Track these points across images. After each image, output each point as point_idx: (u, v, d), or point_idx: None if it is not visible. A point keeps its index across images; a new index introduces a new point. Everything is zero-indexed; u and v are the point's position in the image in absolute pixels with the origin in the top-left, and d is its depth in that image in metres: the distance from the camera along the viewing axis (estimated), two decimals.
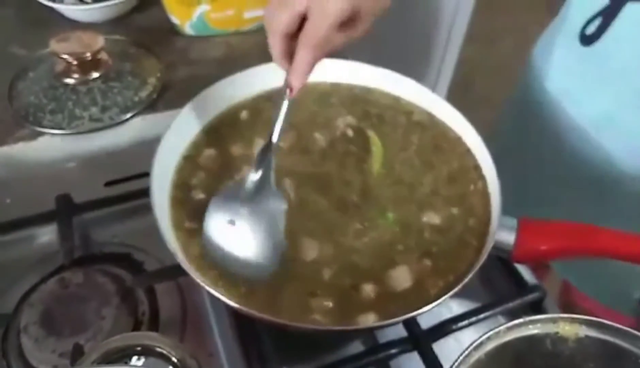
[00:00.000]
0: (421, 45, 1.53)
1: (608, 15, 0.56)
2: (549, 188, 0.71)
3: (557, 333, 0.39)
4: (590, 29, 0.58)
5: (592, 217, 0.51)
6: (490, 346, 0.38)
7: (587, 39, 0.59)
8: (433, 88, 0.62)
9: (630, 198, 0.62)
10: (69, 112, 0.70)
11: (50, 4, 0.85)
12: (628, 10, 0.54)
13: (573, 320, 0.38)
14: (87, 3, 0.85)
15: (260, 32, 0.86)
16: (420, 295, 0.47)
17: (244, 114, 0.60)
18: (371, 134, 0.59)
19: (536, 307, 0.55)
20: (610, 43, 0.57)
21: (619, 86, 0.58)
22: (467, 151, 0.59)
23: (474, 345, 0.37)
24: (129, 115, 0.71)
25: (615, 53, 0.57)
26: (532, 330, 0.38)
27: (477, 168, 0.57)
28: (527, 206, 0.56)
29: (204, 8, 0.82)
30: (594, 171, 0.63)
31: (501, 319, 0.54)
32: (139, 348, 0.39)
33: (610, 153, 0.61)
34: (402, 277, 0.48)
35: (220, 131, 0.59)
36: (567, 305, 0.78)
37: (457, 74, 1.72)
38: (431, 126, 0.61)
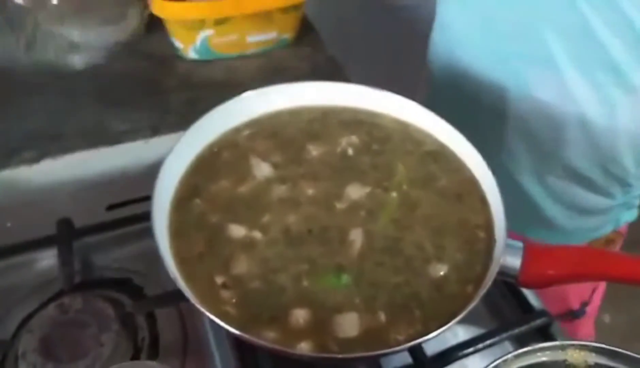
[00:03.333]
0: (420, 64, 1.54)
1: None
2: None
3: (565, 361, 0.38)
4: None
5: None
6: None
7: None
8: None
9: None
10: None
11: None
12: None
13: (582, 347, 0.38)
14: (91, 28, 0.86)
15: (262, 56, 0.87)
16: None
17: (244, 136, 0.60)
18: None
19: (543, 332, 0.54)
20: None
21: None
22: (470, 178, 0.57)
23: None
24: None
25: None
26: (541, 358, 0.38)
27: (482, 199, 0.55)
28: None
29: (207, 33, 0.82)
30: None
31: (508, 345, 0.53)
32: None
33: None
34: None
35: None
36: None
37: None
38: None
